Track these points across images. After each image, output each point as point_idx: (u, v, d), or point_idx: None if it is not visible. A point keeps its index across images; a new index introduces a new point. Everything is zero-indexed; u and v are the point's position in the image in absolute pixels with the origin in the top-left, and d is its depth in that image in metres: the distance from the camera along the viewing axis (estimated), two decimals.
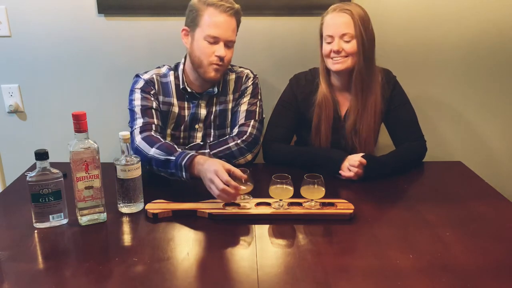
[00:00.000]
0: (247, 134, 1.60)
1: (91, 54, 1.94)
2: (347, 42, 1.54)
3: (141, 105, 1.55)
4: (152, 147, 1.45)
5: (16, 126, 2.02)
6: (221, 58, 1.52)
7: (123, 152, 1.26)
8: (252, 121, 1.62)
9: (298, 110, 1.69)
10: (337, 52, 1.54)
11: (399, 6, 1.92)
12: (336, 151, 1.58)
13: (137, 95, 1.57)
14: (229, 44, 1.54)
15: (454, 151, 2.12)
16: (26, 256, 1.09)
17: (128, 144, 1.26)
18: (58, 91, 1.98)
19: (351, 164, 1.47)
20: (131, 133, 1.53)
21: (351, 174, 1.47)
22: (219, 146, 1.58)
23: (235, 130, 1.62)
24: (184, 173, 1.38)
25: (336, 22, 1.54)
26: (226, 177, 1.24)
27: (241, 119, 1.63)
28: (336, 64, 1.56)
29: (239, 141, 1.58)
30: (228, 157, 1.57)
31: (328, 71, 1.64)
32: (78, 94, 1.99)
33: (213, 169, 1.27)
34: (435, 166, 1.70)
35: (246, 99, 1.65)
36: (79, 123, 1.15)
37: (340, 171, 1.49)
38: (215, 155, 1.56)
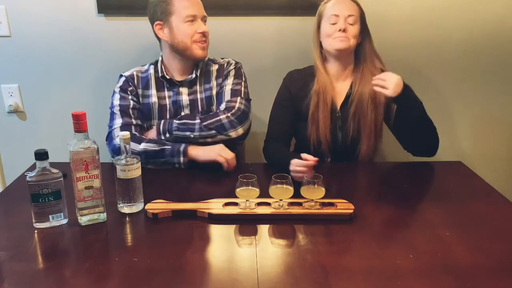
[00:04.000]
0: (236, 108, 1.61)
1: (91, 54, 1.94)
2: (351, 24, 1.58)
3: (120, 105, 1.62)
4: (140, 142, 1.53)
5: (16, 126, 2.02)
6: (204, 34, 1.60)
7: (123, 152, 1.26)
8: (239, 97, 1.64)
9: (293, 104, 1.69)
10: (344, 30, 1.57)
11: (400, 5, 1.92)
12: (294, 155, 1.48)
13: (117, 96, 1.64)
14: (204, 19, 1.64)
15: (454, 151, 2.12)
16: (26, 256, 1.09)
17: (128, 144, 1.26)
18: (58, 91, 1.98)
19: (298, 164, 1.40)
20: (110, 133, 1.59)
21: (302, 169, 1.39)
22: (210, 118, 1.59)
23: (223, 106, 1.63)
24: (181, 158, 1.53)
25: (342, 5, 1.58)
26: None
27: (227, 96, 1.65)
28: (341, 42, 1.58)
29: (229, 114, 1.59)
30: (219, 129, 1.58)
31: (324, 58, 1.66)
32: (78, 94, 1.99)
33: (219, 146, 1.54)
34: (435, 166, 1.69)
35: (230, 81, 1.68)
36: (79, 123, 1.15)
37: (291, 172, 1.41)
38: (206, 127, 1.58)
